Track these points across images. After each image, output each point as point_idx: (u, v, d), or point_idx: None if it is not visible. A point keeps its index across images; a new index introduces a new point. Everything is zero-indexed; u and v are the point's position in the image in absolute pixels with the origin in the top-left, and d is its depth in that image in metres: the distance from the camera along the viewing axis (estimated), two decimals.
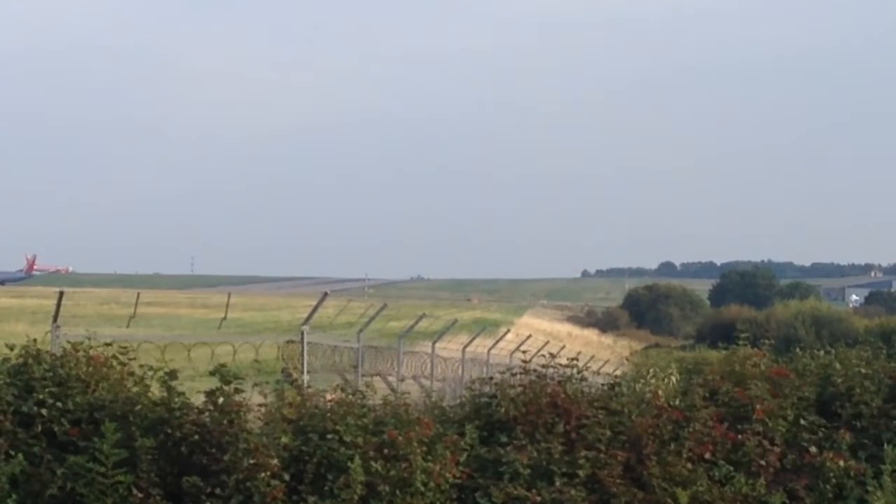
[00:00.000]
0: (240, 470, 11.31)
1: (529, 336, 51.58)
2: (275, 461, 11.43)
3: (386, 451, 11.89)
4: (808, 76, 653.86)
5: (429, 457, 11.94)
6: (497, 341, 51.22)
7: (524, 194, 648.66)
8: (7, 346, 12.74)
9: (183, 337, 35.45)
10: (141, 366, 12.76)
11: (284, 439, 11.75)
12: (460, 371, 44.01)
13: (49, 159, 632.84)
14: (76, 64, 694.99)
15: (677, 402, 13.73)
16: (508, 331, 58.93)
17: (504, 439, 12.78)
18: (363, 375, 30.93)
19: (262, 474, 11.31)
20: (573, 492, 12.27)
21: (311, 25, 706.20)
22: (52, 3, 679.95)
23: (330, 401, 12.57)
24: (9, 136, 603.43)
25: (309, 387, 13.43)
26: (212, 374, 12.13)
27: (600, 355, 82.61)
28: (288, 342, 28.90)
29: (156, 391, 12.21)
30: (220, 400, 11.78)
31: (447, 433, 12.55)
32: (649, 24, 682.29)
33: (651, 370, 16.99)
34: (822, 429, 13.93)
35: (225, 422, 11.58)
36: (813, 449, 13.63)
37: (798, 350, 16.22)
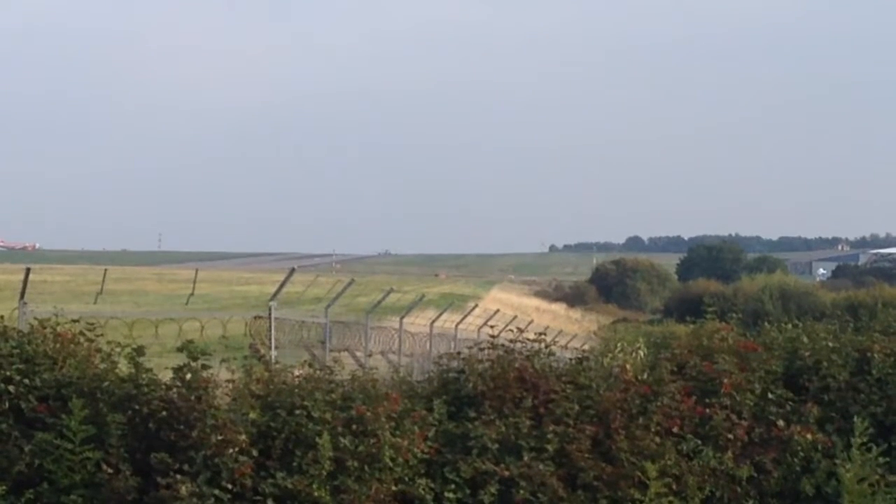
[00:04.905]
0: (208, 446, 11.28)
1: (497, 311, 51.53)
2: (243, 437, 11.40)
3: (354, 426, 11.88)
4: (780, 49, 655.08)
5: (397, 432, 11.95)
6: (465, 316, 51.13)
7: (491, 169, 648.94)
8: None
9: (150, 313, 35.44)
10: (108, 342, 12.72)
11: (252, 415, 11.72)
12: (428, 346, 43.96)
13: (14, 135, 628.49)
14: (43, 40, 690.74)
15: (645, 377, 13.75)
16: (476, 305, 58.69)
17: (472, 414, 12.79)
18: (331, 351, 30.92)
19: (231, 450, 11.29)
20: (541, 466, 12.30)
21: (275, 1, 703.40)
22: None
23: (298, 376, 12.55)
24: None
25: (277, 362, 13.37)
26: (179, 350, 12.08)
27: (568, 330, 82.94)
28: (255, 318, 28.82)
29: (123, 368, 12.16)
30: (188, 376, 11.74)
31: (415, 408, 12.56)
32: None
33: (619, 344, 17.11)
34: (790, 402, 13.97)
35: (193, 398, 11.55)
36: (780, 422, 13.68)
37: (765, 324, 16.25)
